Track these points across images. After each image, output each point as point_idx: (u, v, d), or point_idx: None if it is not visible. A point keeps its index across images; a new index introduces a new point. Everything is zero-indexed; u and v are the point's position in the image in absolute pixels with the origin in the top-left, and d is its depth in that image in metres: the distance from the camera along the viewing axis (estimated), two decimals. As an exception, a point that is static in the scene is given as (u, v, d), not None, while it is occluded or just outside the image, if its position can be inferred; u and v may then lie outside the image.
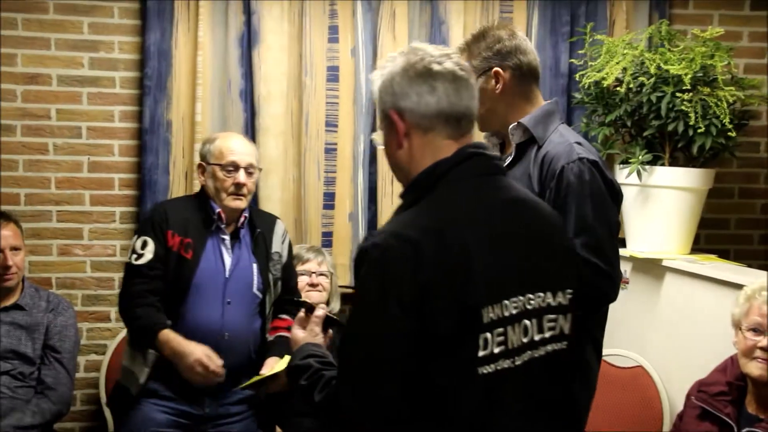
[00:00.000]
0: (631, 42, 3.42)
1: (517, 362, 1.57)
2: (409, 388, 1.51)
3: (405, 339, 1.49)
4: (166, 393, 2.68)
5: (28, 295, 3.22)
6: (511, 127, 2.29)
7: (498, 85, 2.28)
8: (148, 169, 3.63)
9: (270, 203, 3.68)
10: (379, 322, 1.50)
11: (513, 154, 2.31)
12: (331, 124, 3.76)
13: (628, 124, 3.46)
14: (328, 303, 3.30)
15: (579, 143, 2.24)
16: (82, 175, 3.68)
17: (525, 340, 1.59)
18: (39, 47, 3.60)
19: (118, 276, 3.72)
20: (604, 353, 3.30)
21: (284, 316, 2.88)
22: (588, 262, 2.09)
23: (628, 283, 3.49)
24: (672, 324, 3.24)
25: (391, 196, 3.73)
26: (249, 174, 2.81)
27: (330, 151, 3.76)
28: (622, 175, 3.43)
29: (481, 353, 1.52)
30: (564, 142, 2.23)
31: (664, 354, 3.27)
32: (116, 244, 3.72)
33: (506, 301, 1.55)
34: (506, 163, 2.31)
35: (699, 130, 3.20)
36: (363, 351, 1.52)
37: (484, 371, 1.53)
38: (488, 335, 1.53)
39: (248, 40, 3.67)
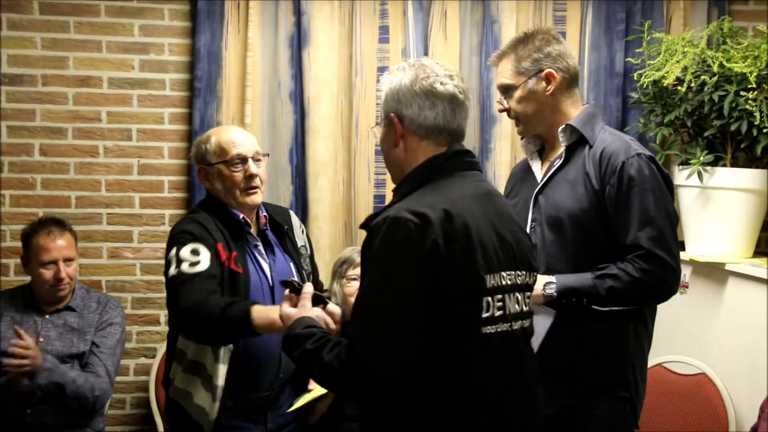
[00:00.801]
0: (691, 40, 3.32)
1: (514, 327, 1.82)
2: (423, 347, 1.70)
3: (416, 300, 1.69)
4: (234, 422, 2.51)
5: (78, 297, 3.22)
6: (560, 129, 2.36)
7: (549, 87, 2.37)
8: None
9: (319, 205, 3.65)
10: (393, 284, 1.70)
11: (563, 156, 2.37)
12: (381, 126, 3.71)
13: (688, 124, 3.37)
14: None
15: (632, 140, 2.34)
16: (132, 177, 3.68)
17: (517, 308, 1.83)
18: (90, 50, 3.60)
19: (167, 279, 3.70)
20: (663, 360, 3.27)
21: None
22: (653, 255, 2.21)
23: (687, 287, 3.39)
24: (735, 330, 3.14)
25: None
26: (257, 162, 2.56)
27: (380, 152, 3.70)
28: (682, 176, 3.35)
29: (484, 314, 1.75)
30: (618, 139, 2.33)
31: (728, 361, 3.17)
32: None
33: (503, 273, 1.80)
34: (556, 167, 2.37)
35: (765, 130, 3.10)
36: (380, 311, 1.70)
37: (487, 331, 1.76)
38: (489, 299, 1.76)
39: (298, 41, 3.64)
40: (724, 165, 3.30)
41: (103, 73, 3.62)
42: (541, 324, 2.22)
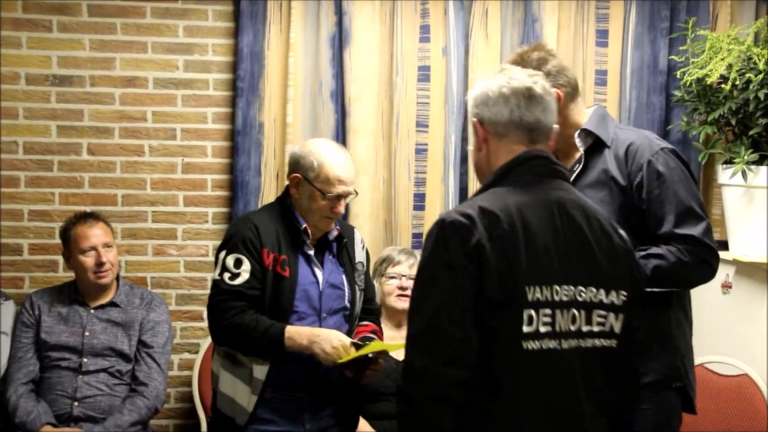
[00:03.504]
0: (737, 37, 3.28)
1: (564, 346, 1.74)
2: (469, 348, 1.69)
3: (461, 299, 1.68)
4: (268, 416, 2.57)
5: (123, 293, 3.29)
6: (576, 134, 2.39)
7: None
8: (240, 170, 3.66)
9: (360, 204, 3.67)
10: (436, 285, 1.71)
11: (582, 160, 2.39)
12: (421, 125, 3.72)
13: (732, 122, 3.33)
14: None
15: (650, 133, 2.42)
16: (176, 176, 3.74)
17: (573, 327, 1.76)
18: (136, 51, 3.67)
19: (210, 275, 3.74)
20: (705, 360, 3.23)
21: (365, 323, 2.79)
22: (695, 239, 2.25)
23: (730, 287, 3.35)
24: (779, 331, 3.10)
25: (482, 197, 3.67)
26: (346, 198, 2.65)
27: (420, 151, 3.73)
28: (726, 175, 3.30)
29: (525, 329, 1.70)
30: (640, 135, 2.39)
31: (771, 363, 3.13)
32: (209, 244, 3.76)
33: (556, 287, 1.74)
34: (576, 172, 2.39)
35: (811, 129, 3.06)
36: (424, 313, 1.71)
37: (530, 347, 1.70)
38: (532, 312, 1.71)
39: (339, 41, 3.67)
40: (770, 164, 3.26)
41: (149, 74, 3.68)
42: None
